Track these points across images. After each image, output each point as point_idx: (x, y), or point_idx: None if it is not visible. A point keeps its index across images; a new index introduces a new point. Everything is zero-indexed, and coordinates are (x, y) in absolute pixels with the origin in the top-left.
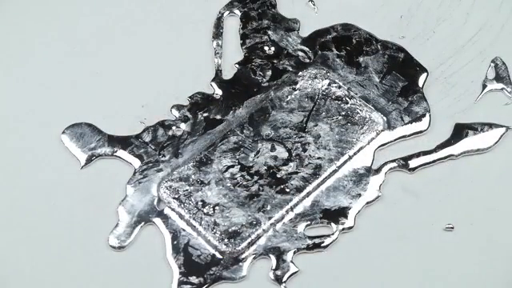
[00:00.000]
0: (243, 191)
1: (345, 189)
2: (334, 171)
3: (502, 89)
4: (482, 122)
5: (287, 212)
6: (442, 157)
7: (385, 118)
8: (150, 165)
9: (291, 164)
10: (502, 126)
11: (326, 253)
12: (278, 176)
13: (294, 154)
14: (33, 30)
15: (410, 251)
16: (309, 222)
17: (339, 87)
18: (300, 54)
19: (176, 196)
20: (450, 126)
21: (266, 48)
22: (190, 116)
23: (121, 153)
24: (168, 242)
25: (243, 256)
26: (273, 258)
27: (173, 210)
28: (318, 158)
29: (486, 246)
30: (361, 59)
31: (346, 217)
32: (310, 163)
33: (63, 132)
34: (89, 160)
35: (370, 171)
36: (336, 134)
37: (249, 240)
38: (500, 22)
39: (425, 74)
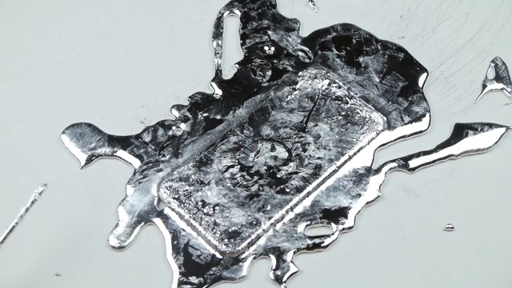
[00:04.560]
0: (243, 191)
1: (345, 189)
2: (334, 171)
3: (502, 89)
4: (482, 121)
5: (287, 212)
6: (442, 157)
7: (385, 118)
8: (150, 165)
9: (291, 164)
10: (501, 126)
11: (325, 253)
12: (278, 176)
13: (294, 154)
14: (33, 30)
15: (410, 251)
16: (309, 222)
17: (339, 87)
18: (300, 53)
19: (176, 196)
20: (450, 126)
21: (266, 48)
22: (190, 116)
23: (121, 153)
24: (168, 242)
25: (243, 256)
26: (273, 258)
27: (173, 210)
28: (318, 158)
29: (485, 246)
30: (361, 59)
31: (346, 217)
32: (309, 163)
33: (63, 132)
34: (89, 160)
35: (370, 171)
36: (336, 134)
37: (249, 240)
38: (500, 22)
39: (425, 73)
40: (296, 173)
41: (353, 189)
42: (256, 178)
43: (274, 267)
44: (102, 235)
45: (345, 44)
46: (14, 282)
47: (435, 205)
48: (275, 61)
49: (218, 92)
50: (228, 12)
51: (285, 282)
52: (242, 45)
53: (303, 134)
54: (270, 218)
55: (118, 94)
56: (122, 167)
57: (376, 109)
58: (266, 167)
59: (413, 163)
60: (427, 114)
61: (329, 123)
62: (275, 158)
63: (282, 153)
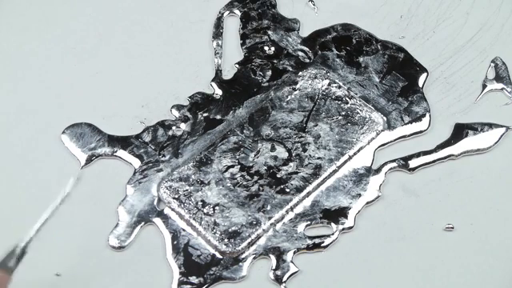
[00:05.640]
0: (243, 191)
1: (345, 189)
2: (334, 171)
3: (502, 89)
4: (482, 121)
5: (287, 212)
6: (441, 157)
7: (385, 118)
8: (150, 165)
9: (291, 164)
10: (501, 126)
11: (325, 253)
12: (278, 176)
13: (294, 154)
14: (33, 30)
15: (410, 251)
16: (309, 222)
17: (339, 87)
18: (300, 53)
19: (176, 196)
20: (450, 126)
21: (266, 48)
22: (190, 116)
23: (121, 153)
24: (168, 242)
25: (243, 256)
26: (273, 258)
27: (173, 210)
28: (318, 158)
29: (485, 246)
30: (361, 59)
31: (346, 217)
32: (310, 163)
33: (63, 132)
34: (89, 160)
35: (370, 171)
36: (336, 134)
37: (249, 240)
38: (500, 22)
39: (425, 73)
40: (296, 173)
41: (353, 189)
42: (256, 177)
43: (274, 267)
44: (102, 235)
45: (345, 44)
46: (14, 282)
47: (435, 205)
48: (275, 61)
49: (218, 92)
50: (228, 12)
51: (285, 282)
52: (242, 45)
53: (303, 134)
54: (270, 218)
55: (118, 94)
56: (122, 167)
57: (376, 109)
58: (266, 167)
59: (413, 163)
60: (427, 114)
61: (329, 123)
62: (275, 158)
63: (282, 153)
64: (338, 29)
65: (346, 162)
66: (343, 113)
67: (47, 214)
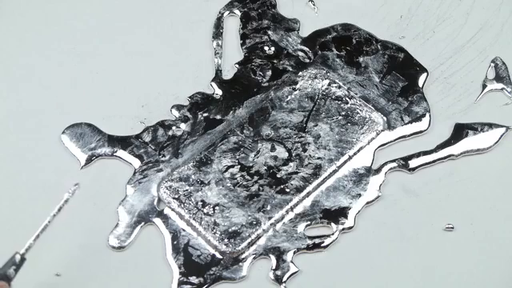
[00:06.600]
0: (243, 191)
1: (345, 189)
2: (334, 171)
3: (502, 89)
4: (482, 121)
5: (287, 212)
6: (441, 157)
7: (385, 118)
8: (150, 165)
9: (291, 164)
10: (501, 126)
11: (325, 253)
12: (278, 176)
13: (294, 154)
14: (33, 30)
15: (410, 251)
16: (309, 222)
17: (339, 87)
18: (300, 53)
19: (176, 196)
20: (450, 126)
21: (266, 48)
22: (190, 116)
23: (121, 153)
24: (168, 242)
25: (243, 256)
26: (273, 258)
27: (173, 210)
28: (318, 158)
29: (486, 246)
30: (361, 59)
31: (346, 217)
32: (309, 163)
33: (63, 132)
34: (89, 160)
35: (370, 171)
36: (336, 134)
37: (249, 240)
38: (500, 22)
39: (425, 73)
40: (296, 173)
41: (353, 189)
42: (256, 177)
43: (274, 267)
44: (102, 235)
45: (345, 44)
46: (15, 282)
47: (435, 205)
48: (275, 61)
49: (218, 92)
50: (228, 12)
51: (285, 282)
52: (242, 45)
53: (303, 134)
54: (270, 218)
55: (118, 94)
56: (122, 167)
57: (376, 109)
58: (265, 167)
59: (413, 163)
60: (427, 114)
61: (329, 123)
62: (275, 158)
63: (282, 153)
64: (338, 29)
65: (345, 161)
66: (343, 113)
67: (46, 221)
